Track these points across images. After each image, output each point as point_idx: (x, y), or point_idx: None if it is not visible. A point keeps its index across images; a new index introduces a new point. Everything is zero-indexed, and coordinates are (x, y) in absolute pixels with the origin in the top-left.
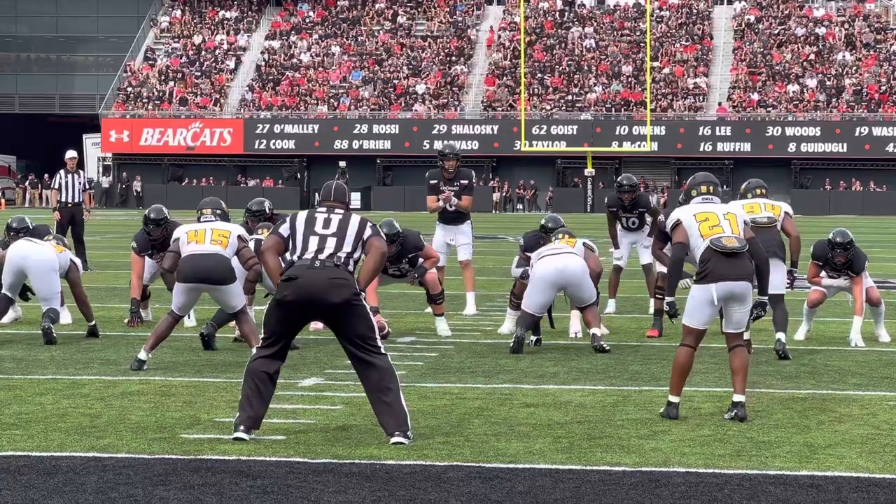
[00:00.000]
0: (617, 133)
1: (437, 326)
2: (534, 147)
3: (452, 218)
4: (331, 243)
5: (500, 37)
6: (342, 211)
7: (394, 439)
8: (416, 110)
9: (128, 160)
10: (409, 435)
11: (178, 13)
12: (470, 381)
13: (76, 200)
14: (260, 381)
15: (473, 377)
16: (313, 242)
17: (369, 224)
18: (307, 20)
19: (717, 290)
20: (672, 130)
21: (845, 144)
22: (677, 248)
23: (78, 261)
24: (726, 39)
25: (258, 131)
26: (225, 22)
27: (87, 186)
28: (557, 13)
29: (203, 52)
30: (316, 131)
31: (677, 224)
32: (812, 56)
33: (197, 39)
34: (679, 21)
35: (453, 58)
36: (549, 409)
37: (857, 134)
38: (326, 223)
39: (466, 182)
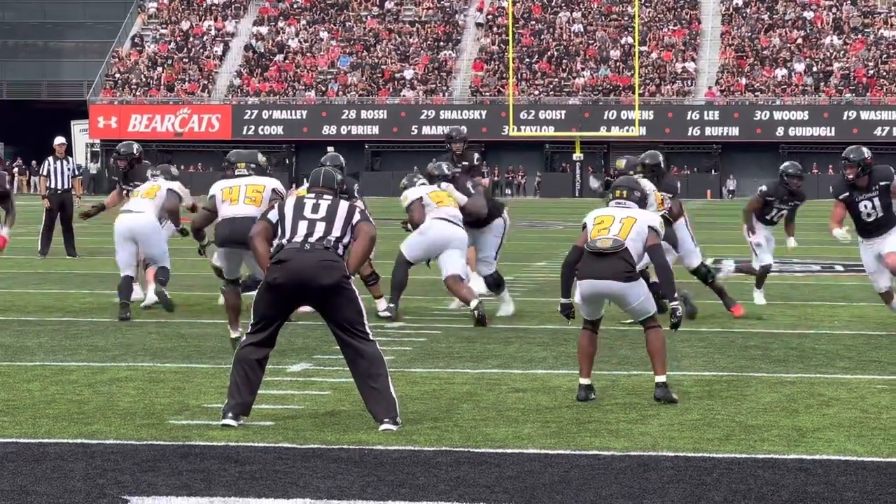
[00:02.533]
0: (605, 118)
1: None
2: (522, 132)
3: None
4: (320, 227)
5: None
6: (331, 197)
7: (383, 426)
8: (404, 96)
9: (115, 146)
10: (397, 421)
11: None
12: (458, 367)
13: (65, 187)
14: (249, 367)
15: (462, 362)
16: (302, 226)
17: (358, 209)
18: (295, 6)
19: (581, 288)
20: (660, 115)
21: (833, 128)
22: (572, 250)
23: (177, 187)
24: (714, 24)
25: (246, 117)
26: (213, 8)
27: (76, 173)
28: None
29: (191, 38)
30: (304, 117)
31: (584, 227)
32: (800, 40)
33: (185, 25)
34: (667, 5)
35: (441, 43)
36: (538, 394)
37: (844, 118)
38: (315, 208)
39: (468, 164)
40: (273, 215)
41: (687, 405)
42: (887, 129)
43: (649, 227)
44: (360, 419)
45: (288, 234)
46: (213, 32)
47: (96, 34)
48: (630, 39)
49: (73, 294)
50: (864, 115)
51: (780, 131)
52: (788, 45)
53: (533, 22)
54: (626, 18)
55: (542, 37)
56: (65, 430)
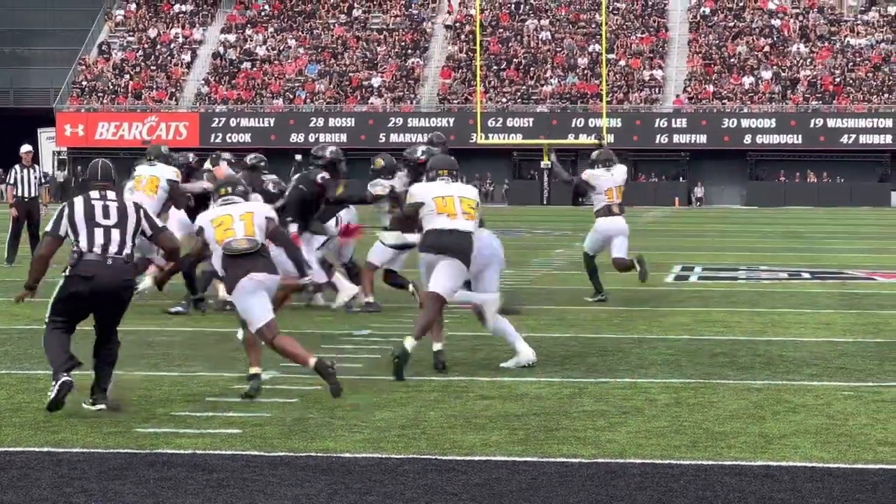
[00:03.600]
0: (573, 125)
1: None
2: (490, 140)
3: None
4: (116, 236)
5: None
6: (114, 195)
7: (98, 406)
8: (371, 103)
9: (83, 154)
10: (108, 404)
11: (133, 7)
12: (426, 374)
13: (32, 195)
14: (59, 340)
15: (429, 370)
16: (99, 235)
17: (143, 210)
18: (263, 13)
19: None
20: (628, 122)
21: (800, 136)
22: None
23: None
24: (682, 31)
25: (214, 125)
26: (180, 15)
27: (44, 181)
28: (513, 5)
29: (158, 46)
30: (272, 125)
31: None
32: (767, 48)
33: (152, 33)
34: (634, 13)
35: (409, 51)
36: (506, 402)
37: (811, 126)
38: (105, 212)
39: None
40: (63, 229)
41: (654, 412)
42: (853, 136)
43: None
44: (328, 427)
45: (85, 244)
46: (180, 40)
47: (63, 41)
48: (598, 47)
49: (40, 302)
50: (831, 122)
51: (747, 139)
52: (755, 52)
53: (501, 29)
54: (593, 26)
55: (510, 44)
56: (31, 438)
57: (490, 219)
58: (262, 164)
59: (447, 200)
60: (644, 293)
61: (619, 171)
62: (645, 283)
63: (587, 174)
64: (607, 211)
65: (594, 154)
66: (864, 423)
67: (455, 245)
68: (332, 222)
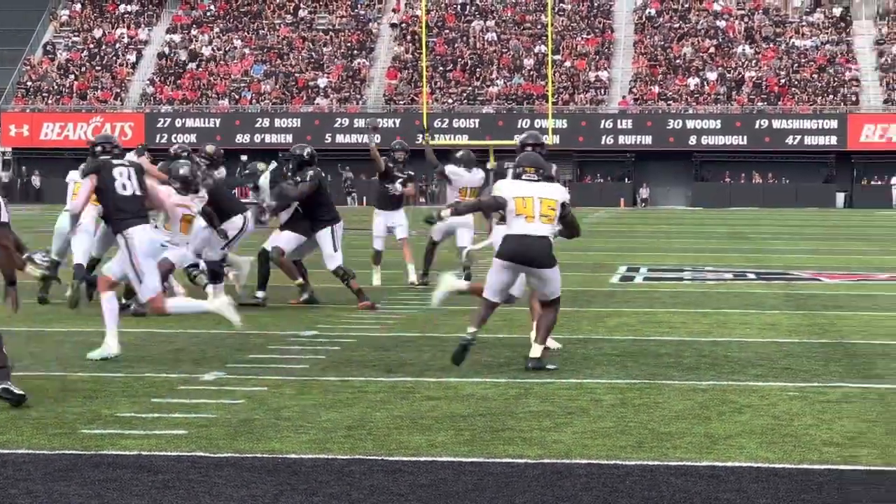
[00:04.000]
0: (519, 126)
1: None
2: (436, 140)
3: (393, 205)
4: None
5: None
6: None
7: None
8: (317, 104)
9: (28, 154)
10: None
11: (78, 7)
12: (372, 375)
13: None
14: None
15: (376, 371)
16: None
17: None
18: (208, 14)
19: None
20: (574, 123)
21: (745, 137)
22: None
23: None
24: (627, 32)
25: (159, 125)
26: (125, 16)
27: None
28: (459, 6)
29: (103, 46)
30: (217, 125)
31: None
32: (712, 49)
33: (97, 33)
34: (580, 14)
35: (355, 51)
36: (452, 402)
37: (756, 127)
38: None
39: (413, 173)
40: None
41: (600, 413)
42: (798, 137)
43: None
44: (274, 428)
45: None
46: (125, 40)
47: (8, 42)
48: (543, 48)
49: None
50: (776, 123)
51: (692, 140)
52: (701, 53)
53: (447, 30)
54: (539, 27)
55: (456, 45)
56: None
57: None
58: (185, 153)
59: (527, 201)
60: (589, 294)
61: (477, 175)
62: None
63: (450, 169)
64: None
65: (459, 154)
66: (809, 424)
67: (524, 253)
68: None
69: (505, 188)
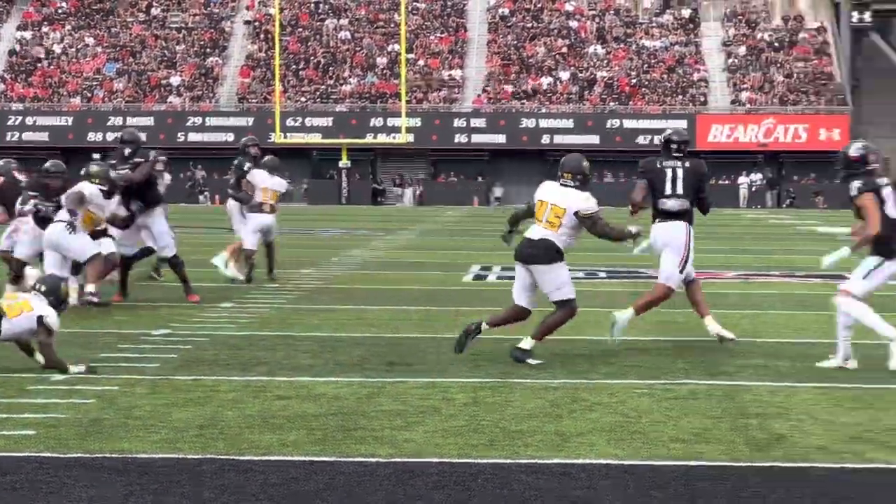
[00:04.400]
0: (372, 125)
1: None
2: (289, 139)
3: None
4: None
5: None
6: None
7: None
8: (170, 102)
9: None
10: None
11: None
12: (224, 374)
13: None
14: None
15: (228, 370)
16: None
17: None
18: (60, 11)
19: None
20: (427, 122)
21: (597, 136)
22: None
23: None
24: (481, 32)
25: (10, 123)
26: None
27: None
28: (312, 4)
29: None
30: (70, 123)
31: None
32: (565, 49)
33: None
34: (434, 13)
35: (208, 50)
36: (304, 402)
37: (608, 126)
38: None
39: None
40: None
41: (452, 411)
42: (649, 137)
43: None
44: (124, 428)
45: None
46: None
47: None
48: (397, 47)
49: None
50: (627, 123)
51: (545, 139)
52: (553, 53)
53: (300, 29)
54: (392, 26)
55: (310, 43)
56: None
57: (289, 218)
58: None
59: (542, 205)
60: (443, 293)
61: (280, 181)
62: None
63: (252, 173)
64: (260, 208)
65: (266, 159)
66: (657, 420)
67: (521, 251)
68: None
69: (539, 190)
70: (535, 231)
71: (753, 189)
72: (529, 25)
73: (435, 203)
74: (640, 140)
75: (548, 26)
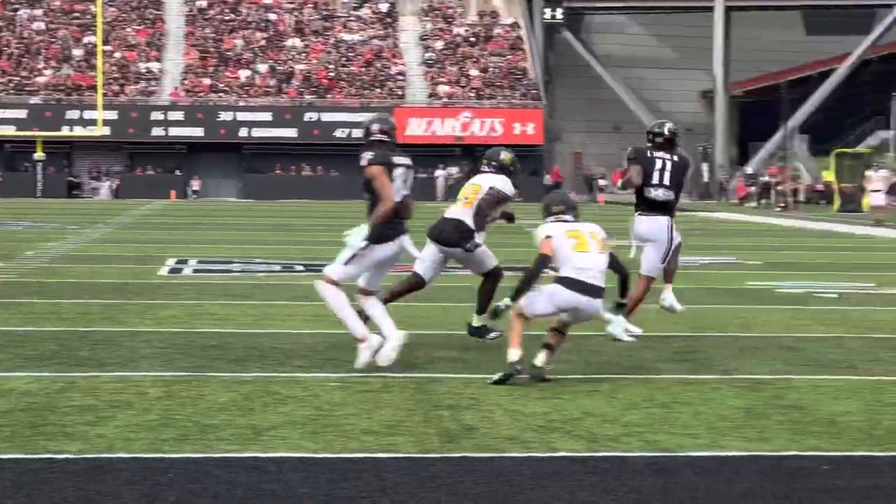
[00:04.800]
0: (67, 117)
1: None
2: None
3: None
4: None
5: None
6: None
7: None
8: None
9: None
10: None
11: None
12: None
13: None
14: None
15: None
16: None
17: None
18: None
19: None
20: (124, 115)
21: (296, 130)
22: None
23: None
24: (178, 24)
25: None
26: None
27: None
28: None
29: None
30: None
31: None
32: (263, 42)
33: None
34: (131, 5)
35: None
36: None
37: (306, 119)
38: None
39: None
40: None
41: (145, 406)
42: (347, 130)
43: None
44: None
45: None
46: None
47: None
48: (93, 38)
49: None
50: (325, 116)
51: (243, 132)
52: (252, 46)
53: None
54: (88, 17)
55: (2, 34)
56: None
57: None
58: None
59: (472, 187)
60: (137, 286)
61: None
62: None
63: None
64: None
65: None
66: (350, 413)
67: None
68: None
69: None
70: (449, 210)
71: (450, 182)
72: (228, 18)
73: (132, 196)
74: (338, 133)
75: (246, 19)
